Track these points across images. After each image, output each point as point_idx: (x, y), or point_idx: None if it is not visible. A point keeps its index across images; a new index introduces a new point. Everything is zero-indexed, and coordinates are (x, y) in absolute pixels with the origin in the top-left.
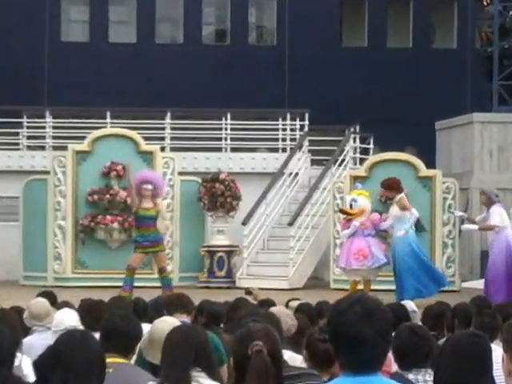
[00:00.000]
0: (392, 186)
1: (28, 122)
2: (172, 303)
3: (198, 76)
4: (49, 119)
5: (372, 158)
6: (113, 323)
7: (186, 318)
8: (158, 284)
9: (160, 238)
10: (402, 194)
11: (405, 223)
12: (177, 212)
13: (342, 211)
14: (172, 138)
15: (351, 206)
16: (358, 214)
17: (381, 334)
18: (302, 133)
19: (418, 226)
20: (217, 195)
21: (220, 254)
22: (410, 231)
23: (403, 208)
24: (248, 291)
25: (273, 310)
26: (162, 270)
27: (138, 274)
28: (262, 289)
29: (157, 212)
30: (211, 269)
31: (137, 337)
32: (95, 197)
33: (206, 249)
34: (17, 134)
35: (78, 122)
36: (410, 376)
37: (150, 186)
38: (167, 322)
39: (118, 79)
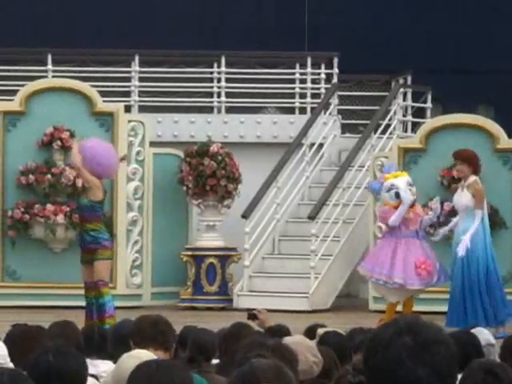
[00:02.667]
0: (469, 160)
1: None
2: (141, 333)
3: (178, 5)
4: None
5: (430, 123)
6: (43, 361)
7: (163, 356)
8: (118, 303)
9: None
10: (477, 177)
11: (473, 220)
12: (148, 200)
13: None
14: (141, 93)
15: (397, 195)
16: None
17: (440, 374)
18: (328, 86)
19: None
20: (206, 176)
21: (210, 260)
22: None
23: (478, 198)
24: (252, 314)
25: (287, 340)
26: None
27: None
28: (270, 311)
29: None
30: (197, 282)
31: (78, 381)
32: (30, 177)
33: (189, 253)
34: None
35: (4, 70)
36: None
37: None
38: (139, 359)
39: (62, 9)
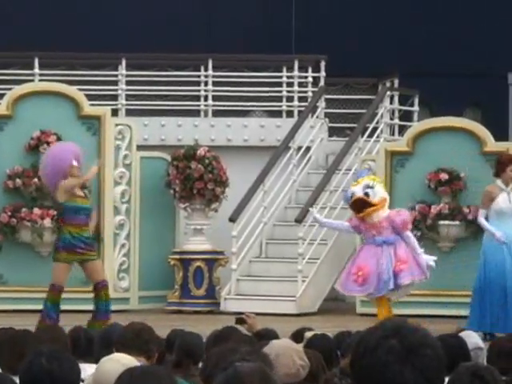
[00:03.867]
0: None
1: None
2: (123, 342)
3: (166, 8)
4: None
5: (417, 126)
6: (36, 365)
7: (145, 362)
8: (113, 307)
9: (93, 241)
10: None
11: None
12: (135, 204)
13: (356, 203)
14: (128, 97)
15: (366, 195)
16: (381, 205)
17: (427, 377)
18: (315, 89)
19: None
20: (193, 179)
21: (198, 263)
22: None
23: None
24: (240, 319)
25: (274, 344)
26: (100, 286)
27: (76, 292)
28: (258, 314)
29: (90, 203)
30: (185, 285)
31: (72, 383)
32: (17, 181)
33: (177, 256)
34: None
35: None
36: None
37: (76, 163)
38: (119, 362)
39: (50, 12)
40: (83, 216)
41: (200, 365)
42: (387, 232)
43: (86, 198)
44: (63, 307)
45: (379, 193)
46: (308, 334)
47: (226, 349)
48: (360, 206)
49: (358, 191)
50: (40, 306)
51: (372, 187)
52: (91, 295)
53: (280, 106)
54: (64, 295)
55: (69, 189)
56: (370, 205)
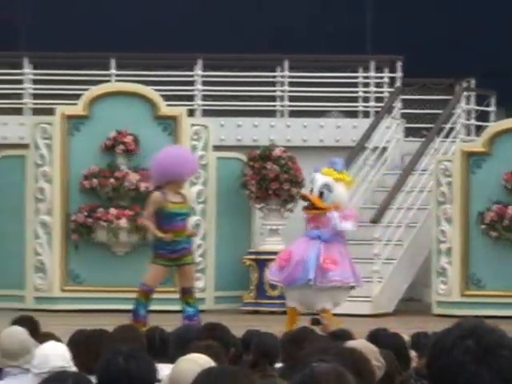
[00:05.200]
0: None
1: None
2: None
3: (242, 8)
4: (27, 70)
5: (494, 126)
6: (114, 364)
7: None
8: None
9: (190, 245)
10: None
11: None
12: (211, 204)
13: (304, 197)
14: (205, 97)
15: (322, 194)
16: (327, 210)
17: (504, 378)
18: (392, 89)
19: None
20: (269, 179)
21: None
22: None
23: None
24: (315, 320)
25: (350, 345)
26: (187, 292)
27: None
28: (333, 315)
29: (189, 208)
30: (260, 286)
31: (149, 383)
32: (94, 181)
33: (252, 257)
34: None
35: (68, 75)
36: None
37: (185, 171)
38: (195, 362)
39: (127, 13)
40: (179, 222)
41: (276, 365)
42: (327, 228)
43: (182, 202)
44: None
45: (336, 197)
46: (383, 335)
47: (315, 348)
48: (304, 200)
49: (316, 186)
50: (116, 306)
51: (330, 190)
52: (167, 296)
53: (356, 107)
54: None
55: (146, 215)
56: (316, 207)
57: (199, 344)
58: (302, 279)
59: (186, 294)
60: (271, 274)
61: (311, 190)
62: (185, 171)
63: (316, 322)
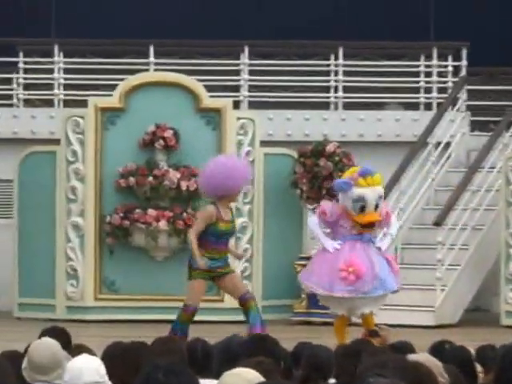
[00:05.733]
0: None
1: (26, 63)
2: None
3: None
4: (58, 58)
5: None
6: (153, 380)
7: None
8: (226, 317)
9: (226, 261)
10: None
11: None
12: (259, 204)
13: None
14: (251, 88)
15: (377, 207)
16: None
17: None
18: (456, 79)
19: None
20: (321, 177)
21: None
22: None
23: None
24: (373, 331)
25: (411, 359)
26: (247, 298)
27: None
28: (393, 326)
29: (236, 226)
30: (312, 294)
31: None
32: (131, 180)
33: (304, 262)
34: (8, 81)
35: (102, 63)
36: None
37: (240, 184)
38: (243, 378)
39: None
40: (225, 240)
41: (330, 380)
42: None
43: (232, 221)
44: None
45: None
46: (447, 348)
47: (373, 362)
48: (367, 224)
49: (370, 199)
50: (154, 316)
51: (382, 197)
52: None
53: (417, 98)
54: (180, 304)
55: (195, 231)
56: (375, 222)
57: (249, 360)
58: (379, 289)
59: (243, 301)
60: (339, 290)
61: (362, 208)
62: (238, 183)
63: (374, 334)
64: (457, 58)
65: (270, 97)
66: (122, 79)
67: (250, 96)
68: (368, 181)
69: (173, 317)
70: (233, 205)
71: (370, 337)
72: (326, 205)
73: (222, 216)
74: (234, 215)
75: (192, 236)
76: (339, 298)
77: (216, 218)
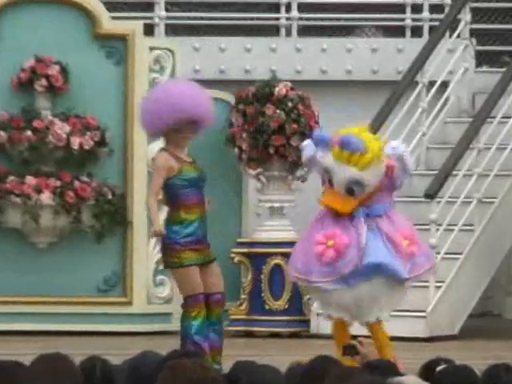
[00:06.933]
0: None
1: None
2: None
3: None
4: None
5: None
6: None
7: None
8: (142, 327)
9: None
10: None
11: None
12: None
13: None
14: (169, 6)
15: (351, 193)
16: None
17: None
18: None
19: None
20: (269, 132)
21: (276, 260)
22: None
23: None
24: (349, 347)
25: (396, 383)
26: (215, 301)
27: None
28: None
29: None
30: (256, 294)
31: None
32: (1, 135)
33: (244, 250)
34: None
35: None
36: None
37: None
38: None
39: None
40: (199, 190)
41: None
42: (382, 197)
43: (195, 162)
44: (69, 327)
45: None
46: (442, 368)
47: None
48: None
49: (338, 179)
50: (35, 326)
51: (361, 184)
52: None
53: (402, 20)
54: (71, 310)
55: (153, 191)
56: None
57: None
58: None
59: (213, 303)
60: (316, 274)
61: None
62: (190, 110)
63: (350, 350)
64: None
65: (195, 18)
66: None
67: (169, 17)
68: (343, 155)
69: (64, 327)
70: (141, 170)
71: (346, 354)
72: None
73: (183, 158)
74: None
75: (151, 199)
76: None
77: (176, 164)
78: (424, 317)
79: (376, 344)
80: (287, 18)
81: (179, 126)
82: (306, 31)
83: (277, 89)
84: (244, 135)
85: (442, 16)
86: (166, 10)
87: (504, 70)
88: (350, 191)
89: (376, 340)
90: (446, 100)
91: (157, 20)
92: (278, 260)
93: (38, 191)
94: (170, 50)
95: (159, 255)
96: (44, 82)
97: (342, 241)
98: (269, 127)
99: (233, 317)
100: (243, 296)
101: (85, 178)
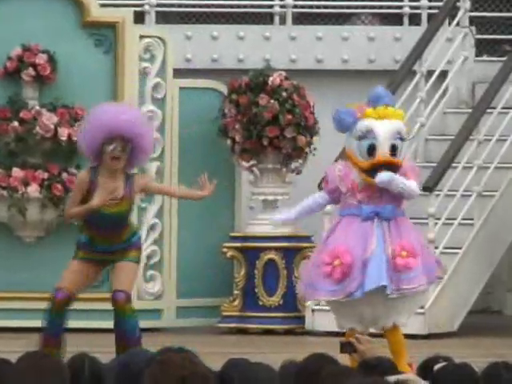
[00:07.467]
0: None
1: None
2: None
3: None
4: None
5: None
6: None
7: None
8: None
9: (136, 240)
10: None
11: None
12: (170, 160)
13: (386, 163)
14: None
15: (393, 149)
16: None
17: None
18: None
19: None
20: (262, 123)
21: (270, 255)
22: None
23: None
24: (347, 344)
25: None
26: (125, 299)
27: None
28: (372, 335)
29: (130, 205)
30: (249, 290)
31: None
32: None
33: (237, 244)
34: None
35: None
36: None
37: (118, 146)
38: None
39: None
40: (109, 226)
41: None
42: (386, 198)
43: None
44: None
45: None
46: (441, 367)
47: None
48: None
49: (383, 136)
50: (22, 323)
51: (403, 138)
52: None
53: (400, 8)
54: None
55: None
56: (392, 163)
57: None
58: (371, 283)
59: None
60: (324, 292)
61: (371, 148)
62: (104, 131)
63: (347, 348)
64: None
65: (187, 5)
66: None
67: (159, 5)
68: (380, 112)
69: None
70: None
71: (343, 352)
72: (330, 168)
73: (101, 186)
74: (132, 192)
75: (69, 211)
76: (334, 301)
77: (89, 189)
78: (423, 313)
79: (391, 348)
80: (281, 6)
81: (107, 141)
82: (300, 19)
83: (271, 78)
84: (237, 126)
85: (440, 3)
86: None
87: (504, 59)
88: (394, 149)
89: (392, 342)
90: (445, 90)
91: (147, 7)
92: (271, 255)
93: (25, 184)
94: (160, 39)
95: (149, 249)
96: (31, 71)
97: (347, 261)
98: (262, 118)
99: (225, 313)
100: (236, 292)
101: (73, 170)
